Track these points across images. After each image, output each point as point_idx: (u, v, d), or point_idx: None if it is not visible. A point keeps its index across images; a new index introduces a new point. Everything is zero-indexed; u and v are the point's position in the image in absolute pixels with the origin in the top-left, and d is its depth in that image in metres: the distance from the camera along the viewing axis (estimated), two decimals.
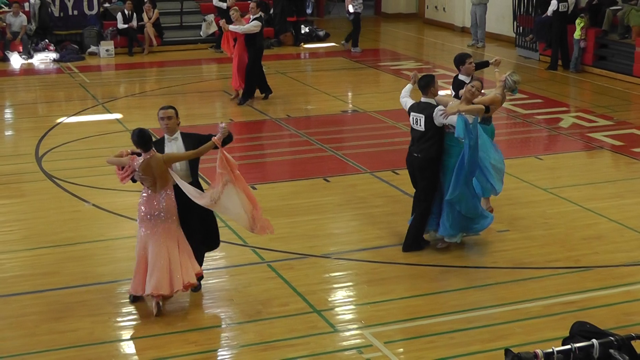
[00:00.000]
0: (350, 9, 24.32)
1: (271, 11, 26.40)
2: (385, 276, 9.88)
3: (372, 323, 8.76)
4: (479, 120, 10.20)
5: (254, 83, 17.96)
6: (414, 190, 10.69)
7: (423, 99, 10.22)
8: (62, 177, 13.22)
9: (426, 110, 10.04)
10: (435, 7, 30.06)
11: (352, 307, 9.24)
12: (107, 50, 23.98)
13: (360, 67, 22.79)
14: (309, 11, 29.65)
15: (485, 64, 12.49)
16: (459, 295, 9.40)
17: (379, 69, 22.57)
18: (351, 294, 9.57)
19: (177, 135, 9.03)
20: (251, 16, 17.47)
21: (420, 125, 10.07)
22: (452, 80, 12.08)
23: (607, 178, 13.47)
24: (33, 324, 8.72)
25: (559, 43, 21.84)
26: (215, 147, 8.81)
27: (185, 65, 22.44)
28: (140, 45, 24.50)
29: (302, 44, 26.22)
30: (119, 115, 17.26)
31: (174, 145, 9.01)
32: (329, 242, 11.00)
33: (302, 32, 26.69)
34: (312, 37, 26.88)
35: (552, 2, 21.80)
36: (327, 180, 13.19)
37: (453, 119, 9.80)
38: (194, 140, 8.96)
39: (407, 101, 10.55)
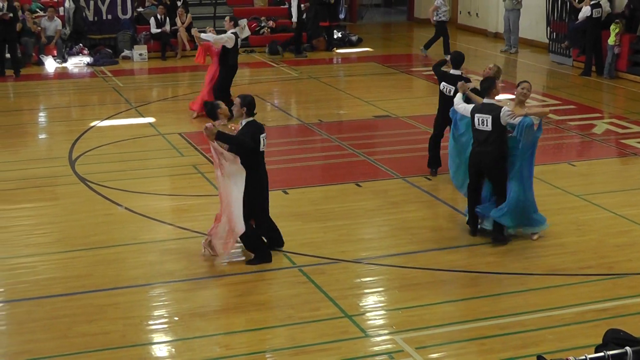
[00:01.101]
0: (435, 17, 24.34)
1: (304, 16, 26.45)
2: (416, 282, 9.86)
3: (403, 328, 8.73)
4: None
5: (225, 94, 17.50)
6: (470, 189, 11.12)
7: (486, 101, 10.87)
8: (95, 181, 13.31)
9: (493, 111, 10.66)
10: (469, 12, 29.98)
11: (383, 312, 9.22)
12: (140, 55, 24.15)
13: (392, 72, 22.76)
14: (341, 16, 29.65)
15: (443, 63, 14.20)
16: (491, 302, 9.36)
17: (411, 74, 22.53)
18: (382, 299, 9.56)
19: (243, 120, 10.29)
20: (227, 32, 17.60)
21: (487, 125, 10.66)
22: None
23: None
24: (66, 326, 8.77)
25: (593, 49, 21.70)
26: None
27: None
28: (173, 50, 24.64)
29: (335, 49, 26.25)
30: (151, 119, 17.36)
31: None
32: (360, 247, 10.99)
33: (335, 37, 26.71)
34: (344, 42, 26.89)
35: (584, 8, 21.68)
36: (359, 185, 13.18)
37: (518, 120, 10.51)
38: (241, 131, 10.20)
39: (465, 106, 11.21)
